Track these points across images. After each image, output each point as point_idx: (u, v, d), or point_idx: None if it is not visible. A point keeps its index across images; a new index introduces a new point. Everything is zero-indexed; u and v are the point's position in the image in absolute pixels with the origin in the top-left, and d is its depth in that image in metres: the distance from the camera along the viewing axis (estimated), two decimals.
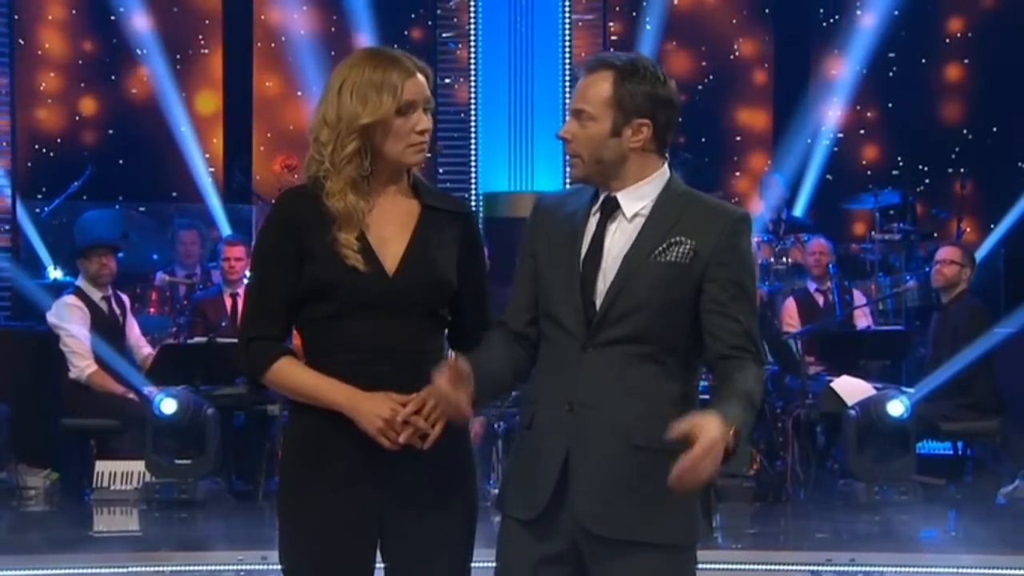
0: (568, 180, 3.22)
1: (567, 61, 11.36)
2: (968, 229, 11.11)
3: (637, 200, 3.11)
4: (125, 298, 8.74)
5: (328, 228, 3.11)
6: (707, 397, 3.11)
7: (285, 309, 3.16)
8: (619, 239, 3.09)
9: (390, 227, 3.15)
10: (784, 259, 9.80)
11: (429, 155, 3.22)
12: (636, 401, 3.04)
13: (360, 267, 3.10)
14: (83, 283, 8.46)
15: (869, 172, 12.02)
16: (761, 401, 3.13)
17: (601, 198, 3.13)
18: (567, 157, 3.17)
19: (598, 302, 3.06)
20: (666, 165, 3.15)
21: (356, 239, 3.11)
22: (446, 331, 3.26)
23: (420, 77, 3.15)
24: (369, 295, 3.10)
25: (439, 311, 3.19)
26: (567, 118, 3.14)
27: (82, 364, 8.24)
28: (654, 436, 2.98)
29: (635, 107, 3.07)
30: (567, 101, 11.19)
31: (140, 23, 11.63)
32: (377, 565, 3.22)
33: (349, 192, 3.12)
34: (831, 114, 11.88)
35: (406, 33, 11.89)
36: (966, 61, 12.28)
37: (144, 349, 8.61)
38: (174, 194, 11.63)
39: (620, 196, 3.11)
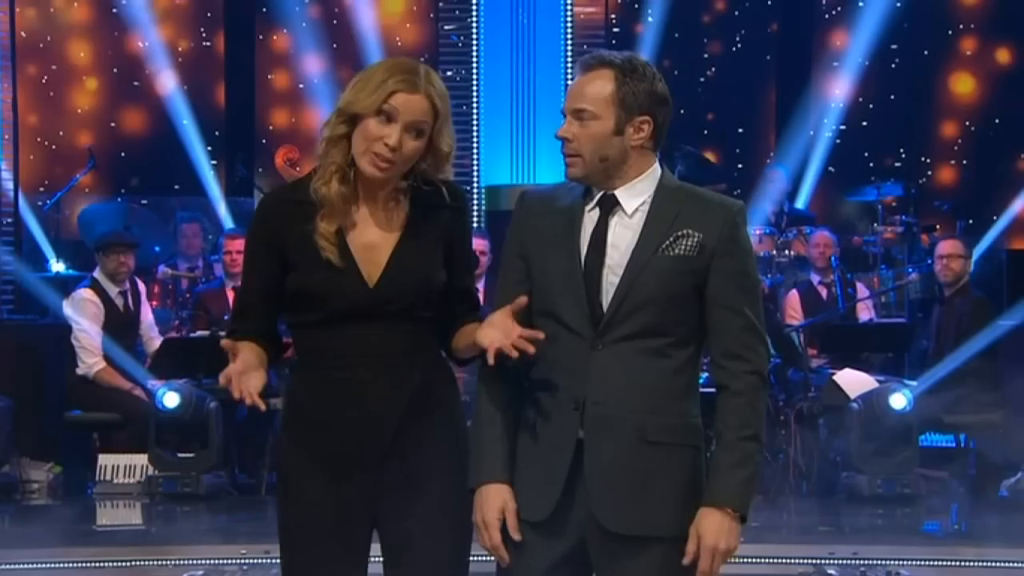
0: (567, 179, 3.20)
1: (569, 54, 11.35)
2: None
3: (635, 196, 3.10)
4: (141, 286, 8.70)
5: (309, 237, 3.11)
6: (708, 391, 3.13)
7: (265, 308, 3.21)
8: (622, 235, 3.08)
9: (375, 233, 3.14)
10: (787, 252, 9.78)
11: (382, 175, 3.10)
12: (646, 396, 3.04)
13: (341, 277, 3.10)
14: (100, 277, 8.40)
15: (872, 164, 12.01)
16: (764, 405, 3.11)
17: (597, 196, 3.11)
18: (565, 157, 3.11)
19: (605, 299, 3.04)
20: (658, 161, 3.16)
21: (337, 245, 3.11)
22: (435, 327, 3.22)
23: (421, 98, 3.08)
24: (350, 305, 3.11)
25: (424, 312, 3.16)
26: (566, 118, 3.09)
27: (91, 361, 8.22)
28: (664, 430, 3.05)
29: (637, 105, 3.07)
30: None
31: (142, 15, 11.62)
32: (376, 558, 3.22)
33: (335, 180, 3.12)
34: (834, 105, 11.87)
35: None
36: (970, 52, 12.26)
37: (156, 340, 8.58)
38: (176, 187, 11.63)
39: (618, 193, 3.10)
